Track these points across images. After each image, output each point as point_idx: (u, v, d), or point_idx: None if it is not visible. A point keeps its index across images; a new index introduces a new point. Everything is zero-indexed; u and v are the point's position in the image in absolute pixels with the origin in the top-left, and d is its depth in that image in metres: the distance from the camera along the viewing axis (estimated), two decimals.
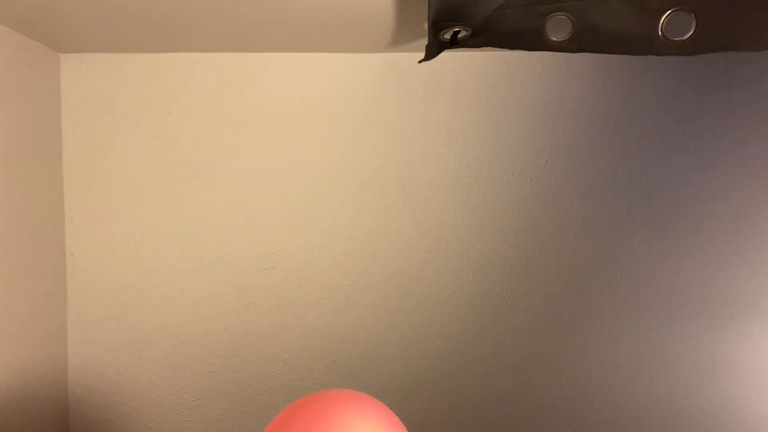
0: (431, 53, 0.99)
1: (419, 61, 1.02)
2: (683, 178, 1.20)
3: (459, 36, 0.95)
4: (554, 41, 0.90)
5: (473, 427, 1.26)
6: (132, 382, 1.26)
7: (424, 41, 1.01)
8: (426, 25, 1.04)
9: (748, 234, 1.20)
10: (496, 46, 0.95)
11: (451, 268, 1.25)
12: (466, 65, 1.22)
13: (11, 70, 1.08)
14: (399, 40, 1.14)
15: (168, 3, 0.96)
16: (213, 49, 1.21)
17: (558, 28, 0.89)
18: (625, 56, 1.11)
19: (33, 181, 1.15)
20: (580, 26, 0.88)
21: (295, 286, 1.25)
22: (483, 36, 0.94)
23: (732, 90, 1.18)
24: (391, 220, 1.24)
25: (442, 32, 0.94)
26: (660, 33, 0.85)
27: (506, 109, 1.23)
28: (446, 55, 1.18)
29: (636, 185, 1.21)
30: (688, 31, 0.84)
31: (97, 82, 1.23)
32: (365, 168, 1.24)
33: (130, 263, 1.25)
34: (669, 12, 0.83)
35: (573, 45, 0.90)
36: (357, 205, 1.25)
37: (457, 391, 1.26)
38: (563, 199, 1.23)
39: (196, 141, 1.24)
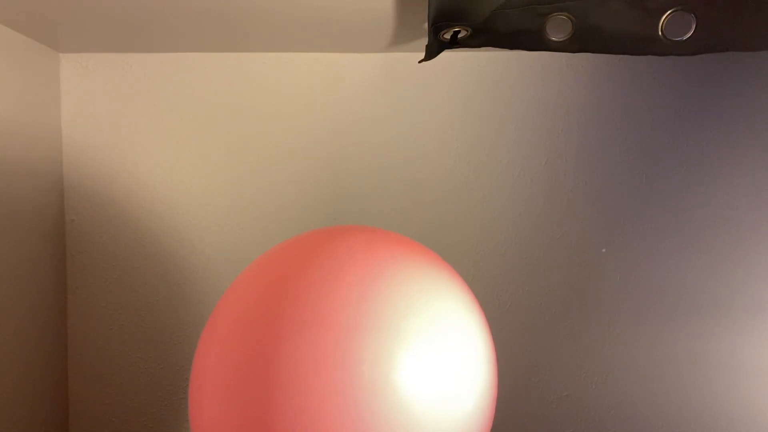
0: (431, 53, 0.98)
1: (419, 61, 1.02)
2: (683, 178, 1.20)
3: (459, 36, 0.95)
4: (554, 41, 0.90)
5: None
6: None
7: (424, 41, 1.01)
8: (426, 25, 1.04)
9: (748, 234, 1.20)
10: (496, 46, 0.95)
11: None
12: (466, 65, 1.22)
13: (11, 70, 1.08)
14: (399, 40, 1.14)
15: (168, 3, 0.96)
16: (213, 49, 1.21)
17: (558, 28, 0.89)
18: (625, 56, 1.11)
19: (33, 181, 1.15)
20: (580, 26, 0.87)
21: None
22: (483, 36, 0.94)
23: (732, 90, 1.18)
24: (390, 221, 1.24)
25: (442, 32, 0.94)
26: (660, 33, 0.85)
27: (506, 108, 1.23)
28: (446, 55, 1.18)
29: (636, 185, 1.21)
30: (688, 31, 0.84)
31: (97, 82, 1.23)
32: (365, 168, 1.24)
33: (130, 264, 1.25)
34: (669, 12, 0.83)
35: (573, 45, 0.90)
36: (356, 206, 1.24)
37: None
38: (563, 199, 1.23)
39: (196, 141, 1.24)
